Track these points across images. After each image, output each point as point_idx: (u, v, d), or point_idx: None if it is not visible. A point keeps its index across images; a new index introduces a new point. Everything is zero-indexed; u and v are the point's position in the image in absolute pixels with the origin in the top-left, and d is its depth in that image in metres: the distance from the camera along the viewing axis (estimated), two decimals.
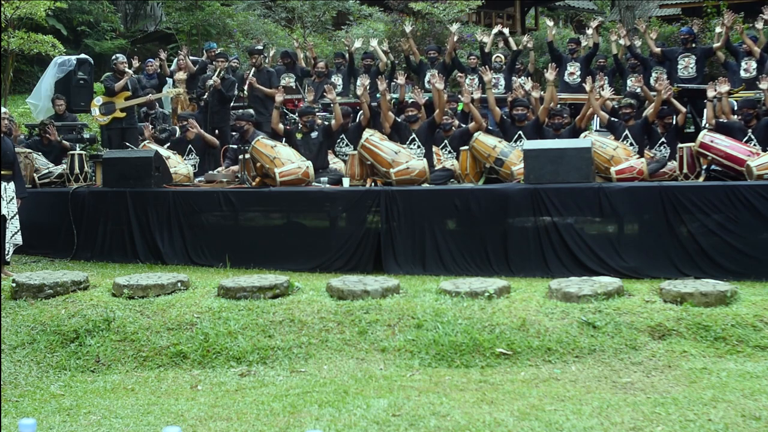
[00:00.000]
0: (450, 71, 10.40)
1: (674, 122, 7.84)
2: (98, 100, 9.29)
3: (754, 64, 9.00)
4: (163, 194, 7.50)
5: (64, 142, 8.87)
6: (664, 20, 16.13)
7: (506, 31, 10.72)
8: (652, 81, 9.15)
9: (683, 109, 7.79)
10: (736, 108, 7.56)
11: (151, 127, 9.41)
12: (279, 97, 8.01)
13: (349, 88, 10.30)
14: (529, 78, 9.79)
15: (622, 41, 9.68)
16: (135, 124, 9.37)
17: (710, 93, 7.34)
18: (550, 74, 7.98)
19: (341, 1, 17.05)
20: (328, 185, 7.33)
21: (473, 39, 12.89)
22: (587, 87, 7.60)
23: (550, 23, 10.59)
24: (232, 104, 9.65)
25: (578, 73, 9.90)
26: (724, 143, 6.72)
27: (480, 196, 6.72)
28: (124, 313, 5.47)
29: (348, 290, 5.54)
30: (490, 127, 8.27)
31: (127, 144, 8.70)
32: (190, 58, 10.91)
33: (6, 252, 6.63)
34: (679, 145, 7.12)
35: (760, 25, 9.21)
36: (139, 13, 20.62)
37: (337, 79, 10.18)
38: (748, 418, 3.70)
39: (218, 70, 9.40)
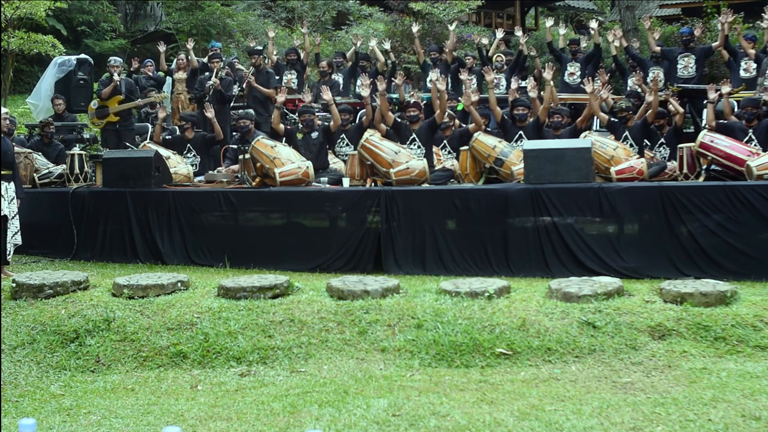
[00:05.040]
0: (451, 71, 10.39)
1: (672, 123, 7.83)
2: (94, 104, 9.35)
3: (753, 65, 8.99)
4: (163, 194, 7.50)
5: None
6: (664, 20, 16.15)
7: (500, 34, 10.72)
8: (648, 81, 9.14)
9: (681, 110, 7.79)
10: (737, 108, 7.55)
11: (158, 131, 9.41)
12: (280, 98, 7.99)
13: (350, 88, 10.29)
14: (532, 79, 9.79)
15: (617, 43, 9.68)
16: (131, 126, 9.37)
17: (712, 95, 7.34)
18: (547, 74, 7.99)
19: (341, 1, 17.08)
20: (328, 185, 7.33)
21: (472, 39, 12.89)
22: (588, 88, 7.61)
23: (549, 24, 10.60)
24: (232, 104, 9.65)
25: (578, 73, 9.89)
26: (724, 143, 6.72)
27: (480, 196, 6.72)
28: (124, 313, 5.47)
29: (348, 290, 5.54)
30: (488, 129, 8.26)
31: (126, 144, 8.70)
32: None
33: (8, 252, 6.63)
34: (679, 145, 7.12)
35: (765, 24, 9.20)
36: (139, 13, 20.60)
37: (338, 79, 10.17)
38: (748, 418, 3.70)
39: (215, 71, 9.40)
